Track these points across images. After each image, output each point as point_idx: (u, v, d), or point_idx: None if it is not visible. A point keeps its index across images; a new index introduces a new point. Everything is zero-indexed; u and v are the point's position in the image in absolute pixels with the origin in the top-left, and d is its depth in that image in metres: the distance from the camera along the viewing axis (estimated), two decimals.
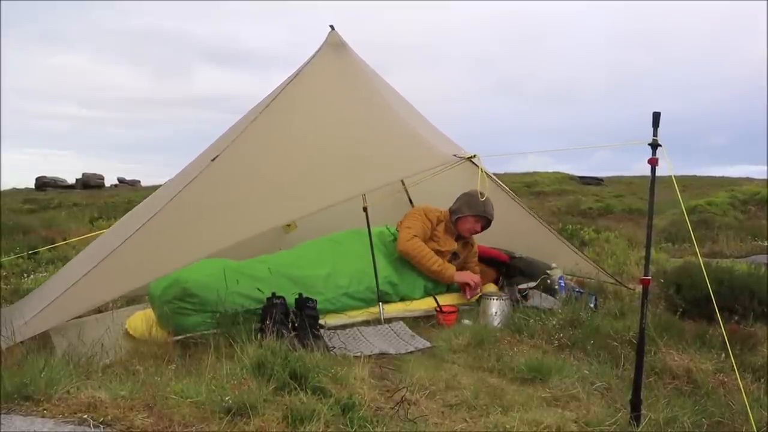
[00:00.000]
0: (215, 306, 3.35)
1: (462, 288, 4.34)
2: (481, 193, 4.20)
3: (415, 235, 4.21)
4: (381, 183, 3.91)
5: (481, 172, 4.15)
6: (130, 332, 3.53)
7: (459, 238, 4.46)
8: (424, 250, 4.18)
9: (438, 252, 4.28)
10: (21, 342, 2.82)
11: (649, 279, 2.52)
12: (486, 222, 4.42)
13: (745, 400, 2.40)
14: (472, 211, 4.35)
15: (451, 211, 4.45)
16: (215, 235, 3.34)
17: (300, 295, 3.39)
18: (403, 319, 3.81)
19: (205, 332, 3.21)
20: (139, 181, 33.57)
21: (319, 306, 3.42)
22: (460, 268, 4.50)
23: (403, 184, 5.25)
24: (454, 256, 4.42)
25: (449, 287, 4.40)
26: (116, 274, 3.21)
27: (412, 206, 5.25)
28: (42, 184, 29.92)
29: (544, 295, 4.17)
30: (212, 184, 3.63)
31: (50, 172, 32.33)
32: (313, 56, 4.35)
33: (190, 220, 3.46)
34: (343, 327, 3.62)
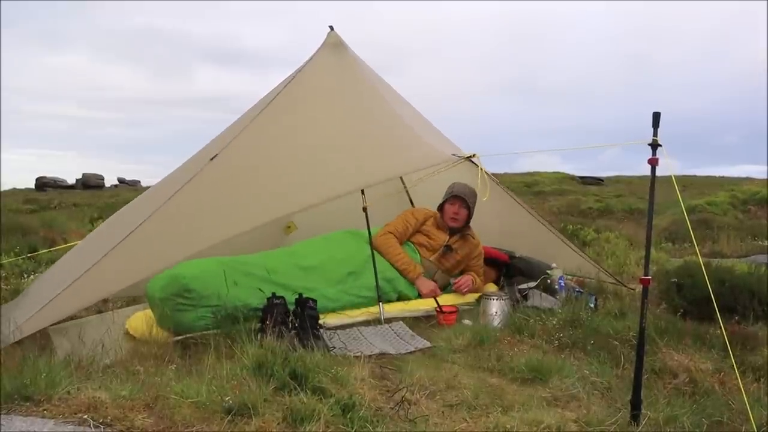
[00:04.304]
0: (212, 300, 3.36)
1: (456, 286, 4.38)
2: (474, 192, 4.29)
3: (390, 232, 4.33)
4: (379, 179, 3.92)
5: (481, 171, 4.15)
6: (131, 332, 3.53)
7: (454, 232, 4.47)
8: (390, 247, 4.26)
9: (430, 245, 4.38)
10: (20, 341, 2.83)
11: (649, 279, 2.52)
12: (462, 201, 4.44)
13: (745, 400, 2.40)
14: (444, 197, 4.50)
15: (438, 208, 4.56)
16: (214, 229, 3.35)
17: (300, 295, 3.39)
18: (403, 319, 3.81)
19: (206, 332, 3.22)
20: (139, 181, 33.54)
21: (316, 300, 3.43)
22: (462, 269, 4.53)
23: (404, 184, 5.26)
24: (448, 248, 4.42)
25: (447, 287, 4.42)
26: (116, 271, 3.22)
27: (413, 206, 5.27)
28: (42, 184, 29.89)
29: (544, 295, 4.17)
30: (211, 183, 3.64)
31: (50, 173, 32.29)
32: (313, 56, 4.36)
33: (189, 217, 3.48)
34: (343, 327, 3.62)
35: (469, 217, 4.51)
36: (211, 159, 3.74)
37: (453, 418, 2.42)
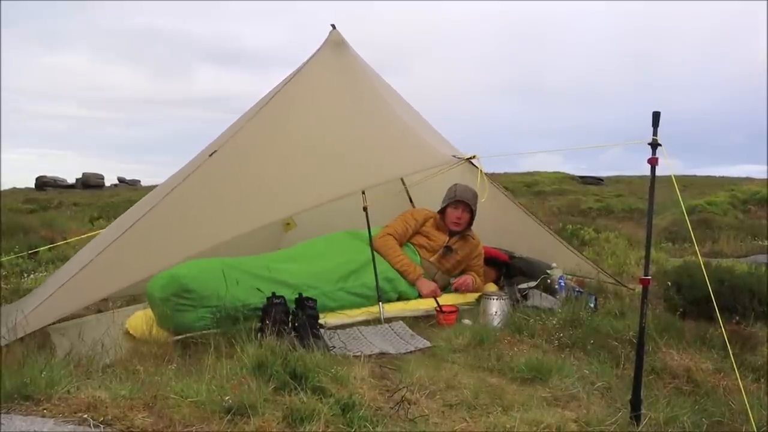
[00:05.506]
0: (212, 300, 3.36)
1: (455, 286, 4.38)
2: (476, 193, 4.27)
3: (389, 234, 4.32)
4: (379, 180, 3.92)
5: (480, 172, 4.16)
6: (131, 332, 3.53)
7: (453, 233, 4.47)
8: (390, 249, 4.25)
9: (430, 246, 4.38)
10: (20, 339, 2.83)
11: (649, 279, 2.52)
12: (465, 206, 4.43)
13: (745, 400, 2.40)
14: (446, 201, 4.47)
15: (438, 211, 4.53)
16: (213, 230, 3.35)
17: (300, 294, 3.39)
18: (403, 318, 3.81)
19: (206, 331, 3.22)
20: (139, 181, 33.56)
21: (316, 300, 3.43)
22: (463, 269, 4.53)
23: (404, 184, 5.26)
24: (448, 249, 4.42)
25: (447, 288, 4.42)
26: (114, 270, 3.23)
27: (413, 206, 5.28)
28: (42, 183, 29.88)
29: (544, 295, 4.17)
30: (210, 180, 3.65)
31: (50, 172, 32.26)
32: (314, 54, 4.36)
33: (187, 215, 3.48)
34: (343, 327, 3.62)
35: (472, 219, 4.51)
36: (210, 155, 3.74)
37: (453, 418, 2.42)
